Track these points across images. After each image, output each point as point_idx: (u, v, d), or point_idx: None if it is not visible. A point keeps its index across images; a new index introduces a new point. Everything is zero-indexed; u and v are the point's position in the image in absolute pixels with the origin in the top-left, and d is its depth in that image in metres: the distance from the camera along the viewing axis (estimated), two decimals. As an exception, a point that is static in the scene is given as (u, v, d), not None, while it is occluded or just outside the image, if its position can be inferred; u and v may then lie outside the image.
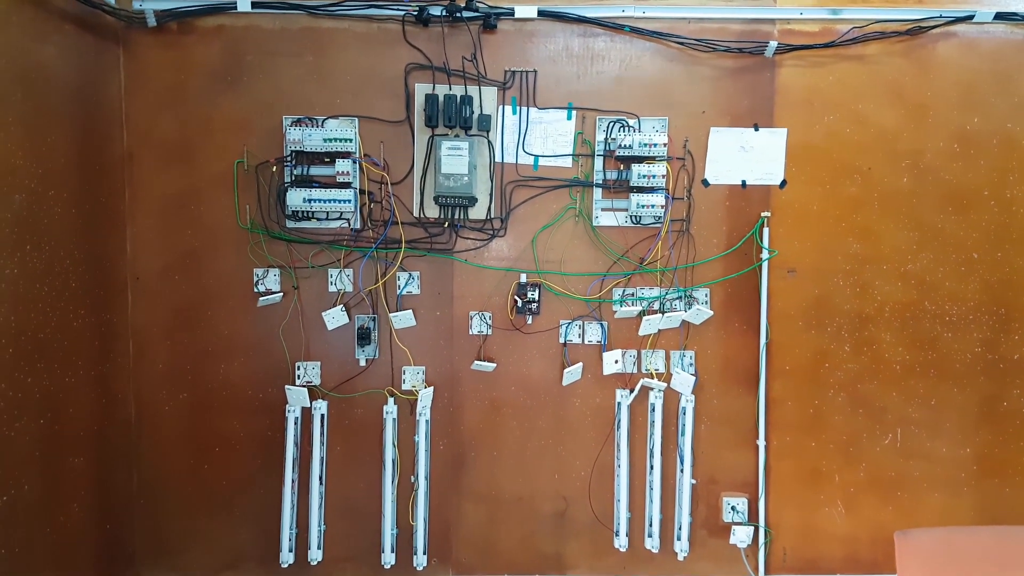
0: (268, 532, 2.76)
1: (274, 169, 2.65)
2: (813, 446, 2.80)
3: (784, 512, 2.82)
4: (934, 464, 2.80)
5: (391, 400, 2.74)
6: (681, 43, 2.67)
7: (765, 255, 2.71)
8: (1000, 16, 2.65)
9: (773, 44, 2.64)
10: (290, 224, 2.66)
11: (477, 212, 2.67)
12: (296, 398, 2.69)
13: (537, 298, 2.70)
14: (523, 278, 2.70)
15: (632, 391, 2.76)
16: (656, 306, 2.74)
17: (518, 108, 2.67)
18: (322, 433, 2.74)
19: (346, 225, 2.66)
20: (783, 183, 2.72)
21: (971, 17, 2.64)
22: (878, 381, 2.79)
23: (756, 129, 2.70)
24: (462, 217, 2.67)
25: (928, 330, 2.77)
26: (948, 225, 2.74)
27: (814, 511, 2.83)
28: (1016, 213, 2.73)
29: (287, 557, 2.73)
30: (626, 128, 2.66)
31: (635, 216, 2.68)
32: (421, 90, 2.64)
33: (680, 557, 2.79)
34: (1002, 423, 2.79)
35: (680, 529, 2.79)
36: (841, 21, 2.65)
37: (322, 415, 2.73)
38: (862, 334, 2.77)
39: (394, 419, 2.74)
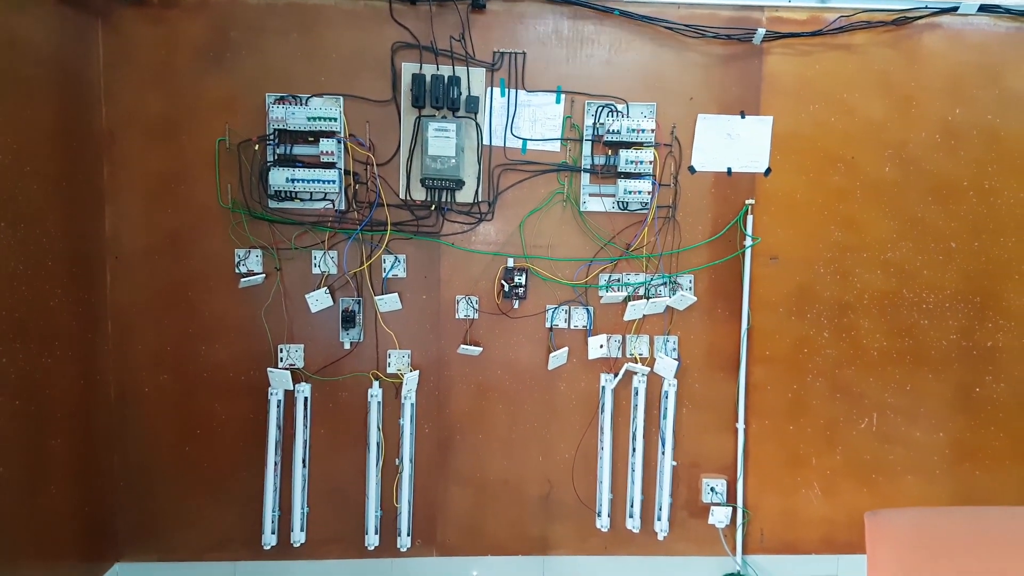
0: (252, 514, 2.73)
1: (256, 148, 2.59)
2: (792, 430, 2.83)
3: (763, 494, 2.86)
4: (909, 448, 2.85)
5: (376, 383, 2.71)
6: (670, 28, 2.65)
7: (748, 242, 2.71)
8: (984, 8, 2.66)
9: (761, 31, 2.63)
10: (273, 204, 2.61)
11: (464, 195, 2.63)
12: (279, 381, 2.66)
13: (524, 283, 2.69)
14: (510, 262, 2.68)
15: (616, 375, 2.76)
16: (641, 292, 2.74)
17: (507, 90, 2.63)
18: (305, 416, 2.71)
19: (330, 206, 2.61)
20: (768, 171, 2.72)
21: (955, 9, 2.65)
22: (856, 367, 2.82)
23: (743, 116, 2.70)
24: (449, 200, 2.63)
25: (906, 318, 2.80)
26: (928, 215, 2.76)
27: (792, 493, 2.87)
28: (994, 204, 2.76)
29: (269, 539, 2.70)
30: (614, 113, 2.64)
31: (622, 202, 2.66)
32: (408, 69, 2.59)
33: (660, 537, 2.82)
34: (975, 409, 2.84)
35: (660, 510, 2.81)
36: (829, 10, 2.65)
37: (305, 398, 2.69)
38: (841, 321, 2.80)
39: (379, 402, 2.72)
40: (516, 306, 2.72)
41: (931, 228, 2.77)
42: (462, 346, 2.71)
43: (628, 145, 2.62)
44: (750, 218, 2.71)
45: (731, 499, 2.84)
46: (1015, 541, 1.66)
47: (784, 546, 2.88)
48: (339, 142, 2.56)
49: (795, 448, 2.84)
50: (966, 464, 2.86)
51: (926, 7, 2.64)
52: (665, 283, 2.73)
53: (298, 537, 2.73)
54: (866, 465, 2.85)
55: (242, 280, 2.62)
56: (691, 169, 2.71)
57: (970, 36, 2.71)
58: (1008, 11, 2.67)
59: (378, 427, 2.72)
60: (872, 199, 2.75)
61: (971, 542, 1.68)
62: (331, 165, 2.55)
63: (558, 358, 2.74)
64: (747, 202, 2.71)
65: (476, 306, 2.71)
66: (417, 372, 2.72)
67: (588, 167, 2.66)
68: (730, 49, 2.68)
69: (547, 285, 2.72)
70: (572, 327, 2.75)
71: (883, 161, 2.73)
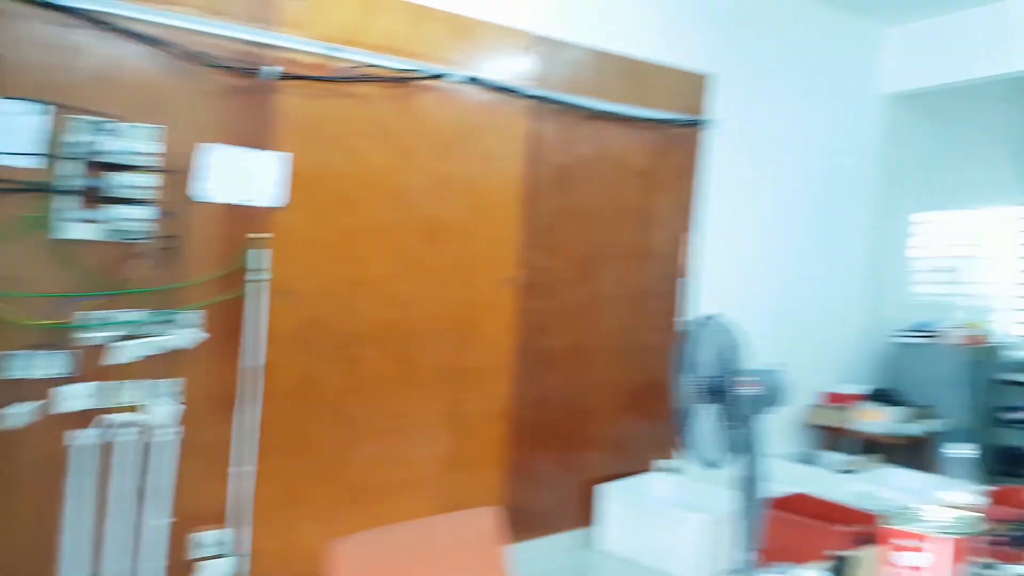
0: None
1: None
2: (298, 466, 3.11)
3: (268, 537, 3.05)
4: (408, 467, 3.39)
5: None
6: (175, 53, 2.74)
7: (256, 276, 2.93)
8: (471, 80, 3.39)
9: (272, 69, 2.89)
10: None
11: None
12: None
13: (-23, 325, 2.43)
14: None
15: (99, 429, 2.70)
16: (136, 331, 2.73)
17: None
18: None
19: None
20: (281, 207, 2.99)
21: (441, 76, 3.30)
22: (362, 395, 3.26)
23: (255, 150, 2.91)
24: None
25: (406, 346, 3.36)
26: (424, 254, 3.37)
27: (297, 530, 3.14)
28: (476, 245, 3.52)
29: None
30: (109, 132, 2.60)
31: (115, 230, 2.63)
32: None
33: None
34: (461, 423, 3.55)
35: (149, 577, 2.78)
36: (339, 60, 3.04)
37: None
38: (348, 352, 3.21)
39: None
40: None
41: (426, 266, 3.38)
42: None
43: (125, 168, 2.61)
44: (262, 253, 2.94)
45: (235, 548, 2.99)
46: (460, 544, 2.00)
47: (289, 584, 3.13)
48: None
49: (301, 484, 3.13)
50: (455, 473, 3.53)
51: (419, 72, 3.25)
52: (167, 320, 2.79)
53: None
54: (370, 490, 3.29)
55: None
56: (198, 199, 2.82)
57: (459, 100, 3.40)
58: (485, 84, 3.46)
59: None
60: (378, 239, 3.24)
61: (419, 553, 1.94)
62: None
63: (18, 416, 2.54)
64: (258, 236, 2.93)
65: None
66: None
67: (73, 188, 2.57)
68: (245, 82, 2.87)
69: (9, 327, 2.52)
70: (43, 376, 2.58)
71: (387, 205, 3.24)
